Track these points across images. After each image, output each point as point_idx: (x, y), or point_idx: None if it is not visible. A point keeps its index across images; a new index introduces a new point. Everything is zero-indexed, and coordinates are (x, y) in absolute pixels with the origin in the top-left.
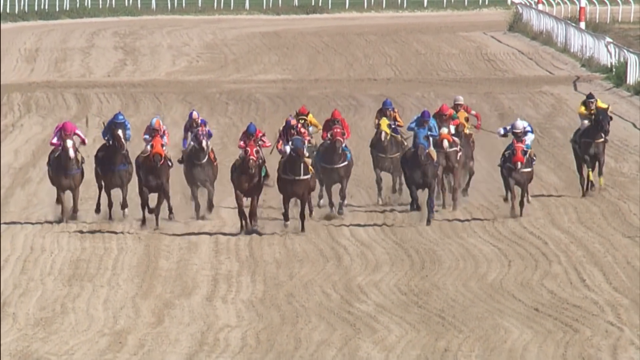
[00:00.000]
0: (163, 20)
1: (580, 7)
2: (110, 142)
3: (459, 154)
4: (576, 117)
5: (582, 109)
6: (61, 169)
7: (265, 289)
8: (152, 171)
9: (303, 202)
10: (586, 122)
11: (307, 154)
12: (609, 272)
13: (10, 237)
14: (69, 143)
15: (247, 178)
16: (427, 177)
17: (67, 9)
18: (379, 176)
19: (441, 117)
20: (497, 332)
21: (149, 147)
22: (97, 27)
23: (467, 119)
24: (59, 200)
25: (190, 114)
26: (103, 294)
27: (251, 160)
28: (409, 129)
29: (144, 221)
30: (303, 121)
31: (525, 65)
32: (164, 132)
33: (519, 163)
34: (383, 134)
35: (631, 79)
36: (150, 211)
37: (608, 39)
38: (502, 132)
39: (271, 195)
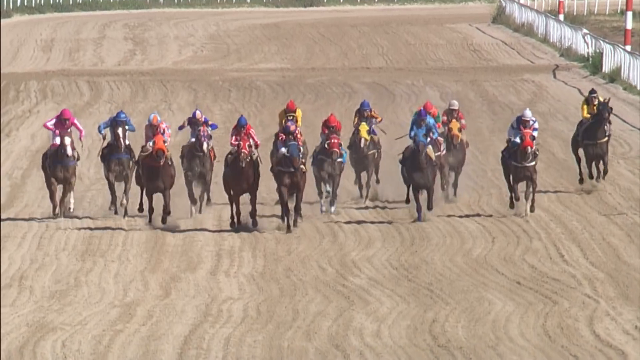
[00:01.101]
0: (170, 13)
1: (559, 1)
2: (110, 140)
3: (443, 152)
4: (555, 103)
5: (585, 110)
6: (57, 161)
7: (265, 264)
8: (154, 171)
9: (299, 195)
10: (588, 116)
11: (302, 160)
12: (586, 247)
13: (28, 216)
14: (67, 140)
15: (240, 174)
16: (427, 178)
17: (81, 2)
18: (359, 174)
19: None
20: (482, 304)
21: (150, 144)
22: (108, 19)
23: (460, 129)
24: (52, 197)
25: (194, 114)
26: (114, 268)
27: (243, 153)
28: (410, 137)
29: (149, 219)
30: (292, 117)
31: (508, 55)
32: (164, 129)
33: (528, 148)
34: (363, 141)
35: (606, 67)
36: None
37: (585, 30)
38: (510, 132)
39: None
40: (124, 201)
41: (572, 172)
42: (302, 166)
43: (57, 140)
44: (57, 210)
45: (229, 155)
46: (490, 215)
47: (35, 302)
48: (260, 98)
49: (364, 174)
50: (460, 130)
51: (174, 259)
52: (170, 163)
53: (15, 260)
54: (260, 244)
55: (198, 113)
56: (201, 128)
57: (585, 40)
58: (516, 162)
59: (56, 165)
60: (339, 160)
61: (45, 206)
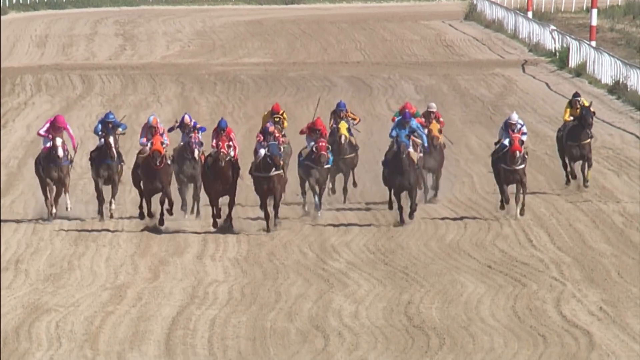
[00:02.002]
0: (158, 10)
1: None
2: (99, 144)
3: (420, 154)
4: (524, 96)
5: (567, 114)
6: (50, 161)
7: (249, 248)
8: (153, 173)
9: (276, 198)
10: (570, 124)
11: (281, 160)
12: (553, 233)
13: (24, 202)
14: (59, 141)
15: (219, 176)
16: (409, 180)
17: None
18: (333, 173)
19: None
20: (455, 287)
21: (148, 146)
22: (100, 16)
23: (440, 131)
24: (46, 198)
25: (183, 118)
26: (105, 252)
27: (222, 153)
28: (391, 136)
29: (141, 216)
30: (278, 119)
31: (479, 50)
32: (163, 131)
33: (517, 152)
34: (343, 137)
35: (572, 62)
36: (150, 215)
37: (552, 27)
38: (501, 134)
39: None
40: (112, 206)
41: (539, 161)
42: (282, 169)
43: (49, 144)
44: (53, 211)
45: (209, 157)
46: (463, 203)
47: (31, 285)
48: (244, 91)
49: (339, 177)
50: (440, 131)
51: (163, 243)
52: (168, 163)
53: (11, 244)
54: (245, 229)
55: (187, 117)
56: (192, 135)
57: (552, 37)
58: (506, 165)
59: (50, 166)
60: (327, 166)
61: (39, 194)
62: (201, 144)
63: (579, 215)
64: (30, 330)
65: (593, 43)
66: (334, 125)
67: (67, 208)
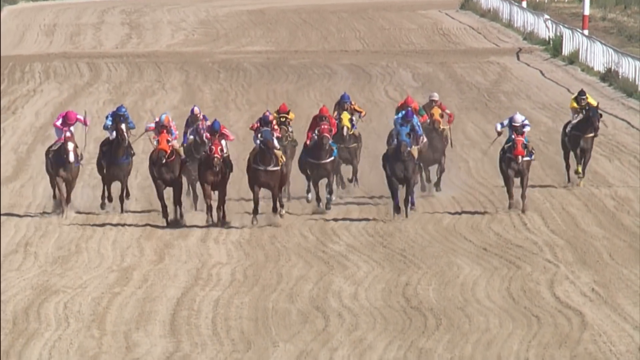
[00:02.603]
0: (163, 0)
1: None
2: (114, 135)
3: (421, 144)
4: (519, 83)
5: (574, 104)
6: (60, 162)
7: (251, 232)
8: (163, 166)
9: (274, 194)
10: (576, 116)
11: (277, 146)
12: (547, 216)
13: (32, 187)
14: (70, 146)
15: (213, 172)
16: (407, 172)
17: None
18: (339, 164)
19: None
20: (451, 269)
21: (154, 143)
22: (106, 5)
23: (441, 115)
24: (55, 195)
25: (192, 110)
26: (112, 235)
27: (216, 159)
28: (394, 125)
29: (164, 213)
30: (284, 119)
31: (475, 39)
32: (173, 128)
33: (520, 157)
34: (345, 129)
35: (566, 50)
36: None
37: (546, 16)
38: (499, 127)
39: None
40: (125, 203)
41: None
42: (281, 158)
43: (59, 124)
44: (63, 205)
45: (203, 153)
46: (459, 187)
47: (40, 267)
48: (247, 78)
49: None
50: (441, 116)
51: (168, 227)
52: (180, 159)
53: (20, 228)
54: (247, 214)
55: (196, 109)
56: (200, 123)
57: (546, 25)
58: (511, 155)
59: (59, 166)
60: (331, 159)
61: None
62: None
63: (572, 199)
64: (39, 311)
65: (585, 32)
66: (337, 116)
67: (63, 215)
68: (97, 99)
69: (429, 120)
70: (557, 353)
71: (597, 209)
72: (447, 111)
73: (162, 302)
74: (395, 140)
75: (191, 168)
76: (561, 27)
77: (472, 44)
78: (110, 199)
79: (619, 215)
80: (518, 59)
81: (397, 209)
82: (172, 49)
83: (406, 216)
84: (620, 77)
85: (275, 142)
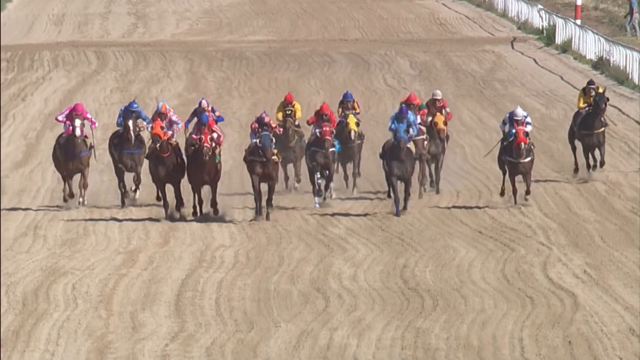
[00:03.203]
0: None
1: None
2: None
3: (426, 142)
4: (513, 71)
5: (581, 101)
6: (69, 151)
7: (253, 215)
8: (161, 162)
9: (272, 186)
10: (583, 111)
11: (275, 152)
12: (540, 201)
13: (42, 172)
14: (77, 122)
15: (202, 167)
16: (405, 169)
17: None
18: (344, 166)
19: (409, 106)
20: (447, 251)
21: (148, 129)
22: None
23: (445, 123)
24: (65, 188)
25: (200, 102)
26: (119, 219)
27: (205, 147)
28: (390, 129)
29: (165, 206)
30: (290, 112)
31: (471, 28)
32: (171, 117)
33: (522, 144)
34: (352, 133)
35: (559, 39)
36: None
37: (540, 6)
38: (502, 127)
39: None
40: (137, 195)
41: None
42: (274, 157)
43: (61, 118)
44: (68, 195)
45: (191, 148)
46: (455, 172)
47: (49, 249)
48: (249, 67)
49: (348, 165)
50: (445, 123)
51: (166, 219)
52: (178, 154)
53: (30, 211)
54: (249, 197)
55: (204, 102)
56: (206, 114)
57: (540, 15)
58: (511, 158)
59: (67, 157)
60: (332, 150)
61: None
62: (215, 121)
63: (565, 184)
64: (48, 292)
65: (578, 21)
66: (342, 116)
67: (80, 202)
68: (104, 87)
69: (429, 119)
70: (550, 333)
71: (589, 193)
72: (447, 109)
73: (167, 284)
74: (393, 137)
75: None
76: (554, 16)
77: (468, 33)
78: (124, 194)
79: (610, 200)
80: (512, 47)
81: (396, 204)
82: (177, 38)
83: (404, 208)
84: (611, 65)
85: (273, 147)
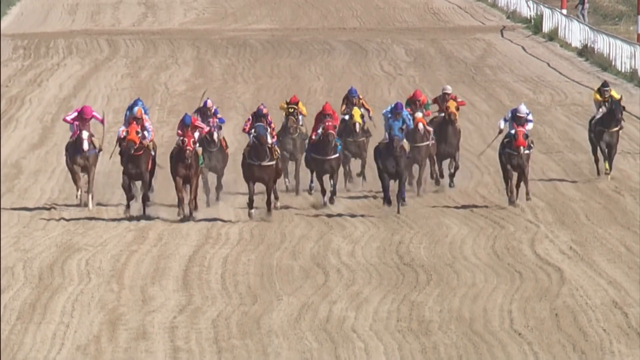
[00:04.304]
0: None
1: None
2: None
3: (430, 145)
4: (503, 58)
5: (597, 96)
6: (77, 151)
7: (257, 195)
8: (131, 159)
9: (268, 188)
10: (600, 110)
11: (270, 141)
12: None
13: (56, 154)
14: (85, 135)
15: (184, 166)
16: (399, 167)
17: None
18: (348, 158)
19: (414, 103)
20: (441, 228)
21: (123, 135)
22: None
23: (457, 108)
24: (77, 186)
25: (205, 102)
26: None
27: (187, 151)
28: (385, 128)
29: (128, 202)
30: (293, 110)
31: (463, 17)
32: (145, 121)
33: (521, 147)
34: (357, 125)
35: (546, 27)
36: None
37: None
38: (502, 124)
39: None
40: (144, 198)
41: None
42: (276, 152)
43: (69, 118)
44: (80, 194)
45: (175, 147)
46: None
47: (63, 227)
48: (253, 54)
49: (355, 163)
50: (457, 108)
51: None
52: (151, 153)
53: (45, 190)
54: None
55: (209, 102)
56: (210, 120)
57: (528, 5)
58: (511, 150)
59: (76, 155)
60: (336, 155)
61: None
62: (219, 127)
63: (552, 164)
64: (63, 267)
65: (564, 11)
66: (347, 111)
67: (88, 206)
68: (115, 73)
69: (442, 114)
70: (538, 306)
71: (574, 173)
72: (460, 99)
73: (176, 259)
74: (387, 135)
75: (205, 158)
76: (541, 6)
77: (460, 22)
78: (130, 197)
79: (595, 180)
80: (502, 35)
81: (388, 203)
82: (185, 27)
83: (398, 212)
84: (595, 52)
85: (269, 137)
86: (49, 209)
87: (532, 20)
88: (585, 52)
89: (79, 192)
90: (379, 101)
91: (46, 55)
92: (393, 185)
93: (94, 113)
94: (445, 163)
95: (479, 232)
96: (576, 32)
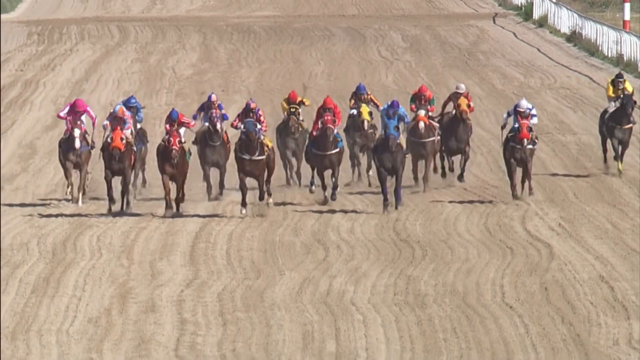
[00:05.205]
0: None
1: None
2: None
3: (436, 141)
4: (495, 44)
5: (610, 90)
6: (69, 148)
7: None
8: (114, 157)
9: (260, 183)
10: (613, 104)
11: (261, 137)
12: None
13: None
14: (77, 132)
15: (170, 164)
16: (395, 164)
17: None
18: (356, 154)
19: (420, 98)
20: (435, 206)
21: (108, 139)
22: None
23: (468, 106)
24: (68, 182)
25: (210, 96)
26: (139, 179)
27: (174, 151)
28: (382, 117)
29: (110, 198)
30: (295, 110)
31: (457, 5)
32: (127, 119)
33: (525, 140)
34: (366, 123)
35: (536, 14)
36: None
37: None
38: (505, 118)
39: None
40: (133, 193)
41: (507, 99)
42: (266, 147)
43: (63, 114)
44: (70, 190)
45: (162, 143)
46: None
47: (75, 205)
48: (256, 39)
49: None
50: (468, 106)
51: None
52: (134, 150)
53: (59, 171)
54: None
55: (214, 96)
56: (213, 110)
57: None
58: (515, 144)
59: (68, 152)
60: (336, 150)
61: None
62: (225, 117)
63: (541, 145)
64: (75, 243)
65: None
66: (355, 107)
67: (78, 203)
68: (125, 58)
69: (454, 111)
70: (528, 280)
71: (563, 154)
72: (471, 103)
73: (183, 236)
74: (383, 132)
75: (204, 155)
76: None
77: (454, 9)
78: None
79: (582, 160)
80: (494, 22)
81: (385, 199)
82: (191, 14)
83: (396, 207)
84: (583, 38)
85: (259, 132)
86: (62, 187)
87: (523, 8)
88: (574, 37)
89: (69, 189)
90: (377, 85)
91: (59, 40)
92: (390, 181)
93: (88, 108)
94: (456, 160)
95: (472, 209)
96: (565, 19)
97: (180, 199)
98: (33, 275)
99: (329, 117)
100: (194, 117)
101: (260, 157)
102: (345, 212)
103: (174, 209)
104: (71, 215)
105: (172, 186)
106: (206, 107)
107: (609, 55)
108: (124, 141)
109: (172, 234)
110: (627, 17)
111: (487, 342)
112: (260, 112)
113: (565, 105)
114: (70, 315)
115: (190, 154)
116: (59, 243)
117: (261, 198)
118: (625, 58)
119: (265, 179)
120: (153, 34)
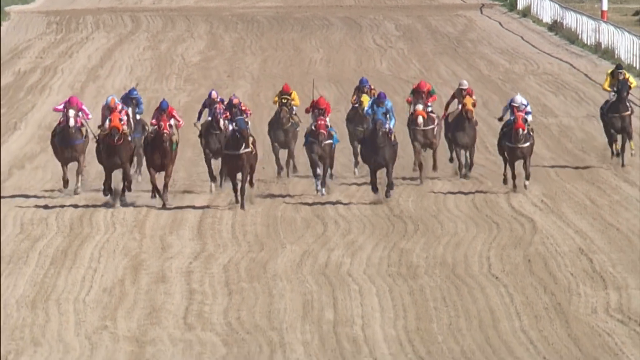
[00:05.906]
0: None
1: None
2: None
3: (435, 129)
4: (482, 33)
5: (606, 83)
6: (65, 139)
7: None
8: (112, 149)
9: (244, 176)
10: (611, 94)
11: (250, 133)
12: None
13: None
14: (71, 112)
15: (159, 152)
16: (384, 157)
17: None
18: (356, 149)
19: (419, 93)
20: (426, 184)
21: (106, 123)
22: None
23: (474, 104)
24: (64, 177)
25: (210, 94)
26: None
27: (165, 134)
28: (367, 113)
29: (104, 192)
30: (286, 100)
31: None
32: (121, 109)
33: (520, 130)
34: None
35: (520, 5)
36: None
37: None
38: (503, 111)
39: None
40: (135, 179)
41: (493, 84)
42: (251, 145)
43: (59, 107)
44: (67, 182)
45: (150, 134)
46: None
47: (90, 185)
48: (260, 29)
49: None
50: (474, 105)
51: (195, 151)
52: (129, 140)
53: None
54: (258, 141)
55: (214, 93)
56: (217, 106)
57: None
58: (510, 143)
59: (63, 146)
60: (329, 142)
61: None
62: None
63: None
64: (91, 219)
65: None
66: (357, 100)
67: (75, 190)
68: (138, 45)
69: (459, 107)
70: (513, 252)
71: (545, 135)
72: (474, 96)
73: (191, 211)
74: (371, 119)
75: (208, 148)
76: None
77: (444, 1)
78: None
79: (563, 141)
80: (481, 12)
81: (375, 190)
82: (199, 4)
83: (386, 196)
84: (564, 27)
85: (248, 128)
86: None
87: None
88: (555, 27)
89: (67, 178)
90: (372, 71)
91: (76, 29)
92: (380, 173)
93: (83, 106)
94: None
95: (460, 186)
96: (547, 9)
97: (166, 190)
98: (52, 248)
99: (323, 122)
100: (199, 115)
101: (246, 150)
102: (342, 189)
103: (164, 199)
104: (87, 192)
105: (159, 176)
106: (208, 104)
107: (588, 43)
108: (123, 122)
109: (181, 210)
110: (605, 7)
111: (475, 310)
112: (242, 106)
113: (547, 89)
114: (87, 286)
115: (177, 145)
116: (76, 218)
117: (242, 191)
118: (602, 46)
119: (248, 171)
120: (163, 23)
